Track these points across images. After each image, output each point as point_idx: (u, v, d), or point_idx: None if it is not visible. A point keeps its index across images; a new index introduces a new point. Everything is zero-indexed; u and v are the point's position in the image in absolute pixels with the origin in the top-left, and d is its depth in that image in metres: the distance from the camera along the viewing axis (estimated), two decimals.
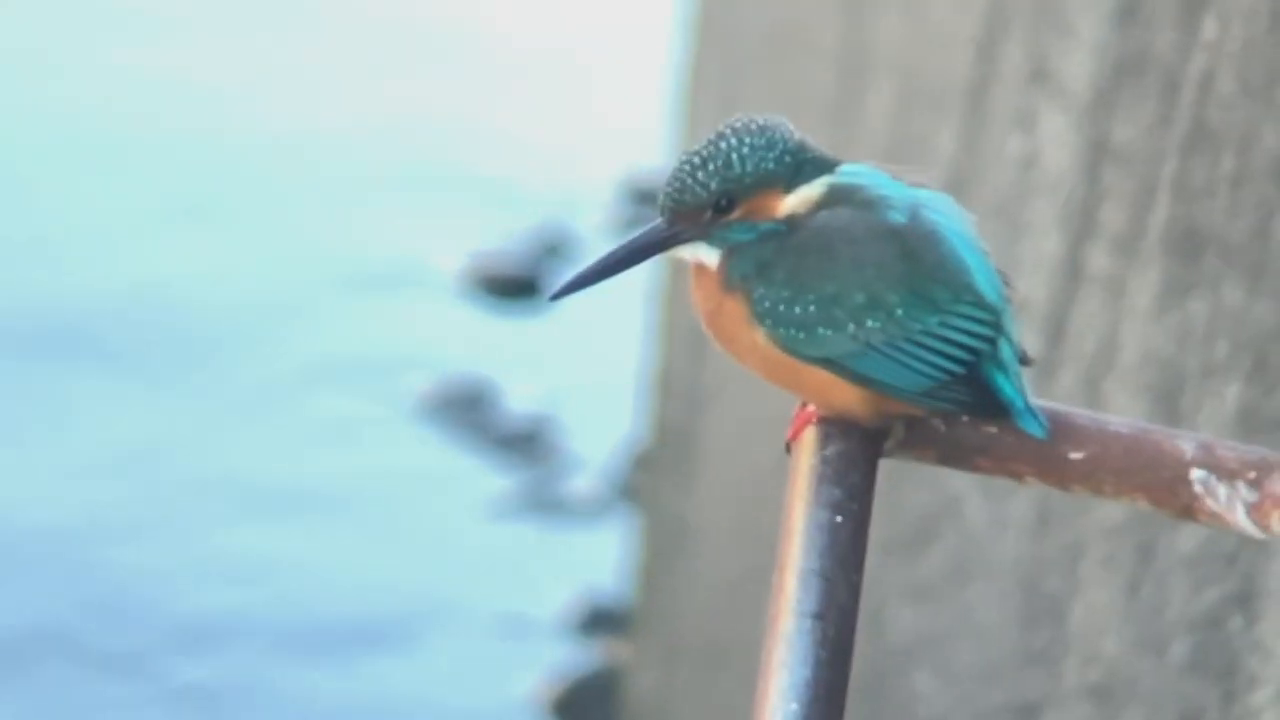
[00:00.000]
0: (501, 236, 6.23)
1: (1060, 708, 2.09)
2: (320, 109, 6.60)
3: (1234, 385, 1.84)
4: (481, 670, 4.83)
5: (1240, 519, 1.26)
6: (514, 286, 6.11)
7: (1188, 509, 1.27)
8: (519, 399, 5.64)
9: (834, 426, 1.32)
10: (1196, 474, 1.26)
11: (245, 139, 6.36)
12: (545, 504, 5.36)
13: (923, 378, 1.31)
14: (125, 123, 6.34)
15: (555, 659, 4.84)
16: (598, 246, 5.70)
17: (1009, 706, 2.24)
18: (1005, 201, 2.45)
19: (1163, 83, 2.08)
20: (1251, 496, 1.25)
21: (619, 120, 6.57)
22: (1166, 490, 1.27)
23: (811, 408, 1.34)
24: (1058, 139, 2.33)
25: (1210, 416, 1.86)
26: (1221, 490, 1.26)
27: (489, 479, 5.41)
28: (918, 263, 1.31)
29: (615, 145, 6.47)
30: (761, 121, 1.33)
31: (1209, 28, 1.97)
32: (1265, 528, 1.25)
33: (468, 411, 5.60)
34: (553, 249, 6.23)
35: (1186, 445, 1.28)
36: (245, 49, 6.74)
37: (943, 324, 1.31)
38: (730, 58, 4.43)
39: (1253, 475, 1.25)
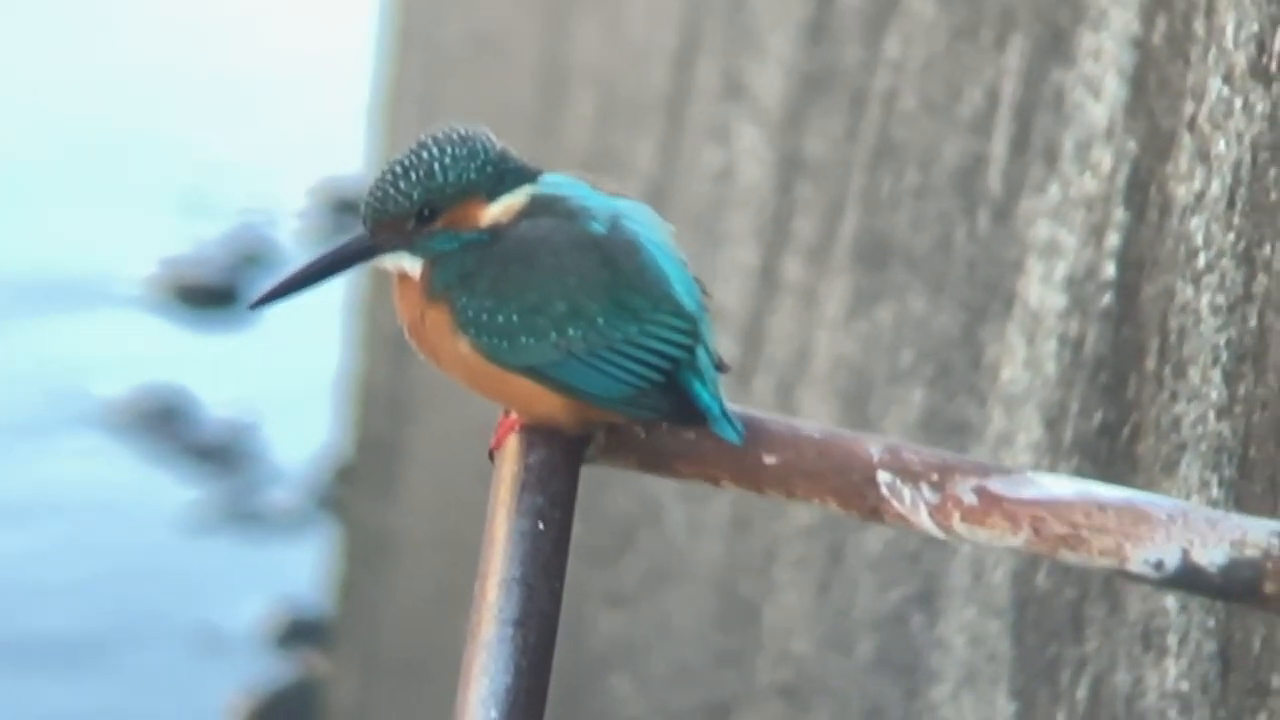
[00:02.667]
0: (196, 245, 6.12)
1: (751, 707, 2.14)
2: (5, 119, 6.41)
3: (918, 390, 1.91)
4: (177, 684, 4.74)
5: (924, 520, 1.30)
6: (210, 295, 6.01)
7: (875, 511, 1.31)
8: (216, 410, 5.55)
9: (537, 434, 1.33)
10: (883, 476, 1.31)
11: None
12: (243, 515, 5.29)
13: (624, 385, 1.34)
14: None
15: (252, 672, 4.77)
16: (297, 255, 5.64)
17: (703, 707, 2.28)
18: (702, 212, 2.50)
19: (850, 99, 2.14)
20: (934, 498, 1.30)
21: (318, 129, 6.51)
22: (855, 492, 1.31)
23: (514, 416, 1.36)
24: (751, 152, 2.39)
25: (896, 420, 1.93)
26: (906, 492, 1.30)
27: (185, 491, 5.32)
28: (618, 272, 1.34)
29: (314, 154, 6.41)
30: (463, 131, 1.35)
31: (892, 46, 2.04)
32: (946, 528, 1.30)
33: (162, 423, 5.50)
34: (250, 258, 6.14)
35: (873, 448, 1.32)
36: None
37: (642, 332, 1.34)
38: (431, 68, 4.43)
39: (935, 477, 1.30)
